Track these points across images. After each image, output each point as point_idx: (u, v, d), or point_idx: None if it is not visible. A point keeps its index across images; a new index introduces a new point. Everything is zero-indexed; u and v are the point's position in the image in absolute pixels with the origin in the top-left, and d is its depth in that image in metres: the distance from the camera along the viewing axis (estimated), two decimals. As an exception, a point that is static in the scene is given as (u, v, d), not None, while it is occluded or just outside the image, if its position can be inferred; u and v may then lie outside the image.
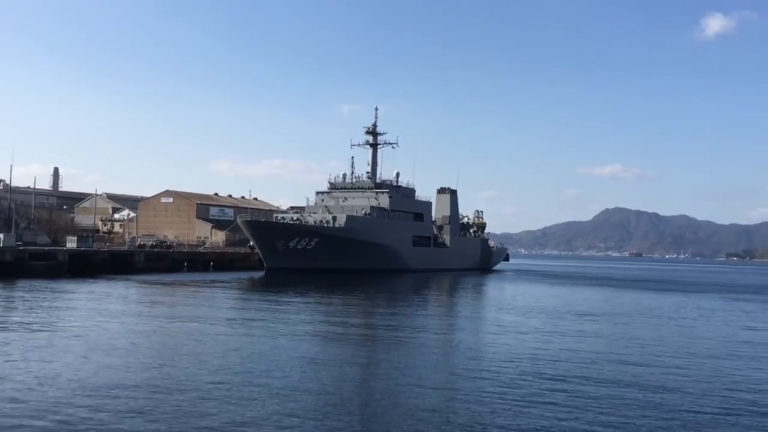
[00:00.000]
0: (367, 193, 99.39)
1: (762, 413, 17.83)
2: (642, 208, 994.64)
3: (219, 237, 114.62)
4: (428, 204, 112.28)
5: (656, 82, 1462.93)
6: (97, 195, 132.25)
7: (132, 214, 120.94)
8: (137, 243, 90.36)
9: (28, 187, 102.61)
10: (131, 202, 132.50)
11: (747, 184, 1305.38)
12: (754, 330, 39.27)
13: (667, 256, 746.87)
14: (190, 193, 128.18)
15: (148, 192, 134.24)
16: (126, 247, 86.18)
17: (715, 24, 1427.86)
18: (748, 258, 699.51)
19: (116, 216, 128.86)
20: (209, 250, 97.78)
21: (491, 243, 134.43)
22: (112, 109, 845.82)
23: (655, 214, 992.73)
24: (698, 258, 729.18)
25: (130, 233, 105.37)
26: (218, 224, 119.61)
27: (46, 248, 72.05)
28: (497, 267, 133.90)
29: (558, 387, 20.19)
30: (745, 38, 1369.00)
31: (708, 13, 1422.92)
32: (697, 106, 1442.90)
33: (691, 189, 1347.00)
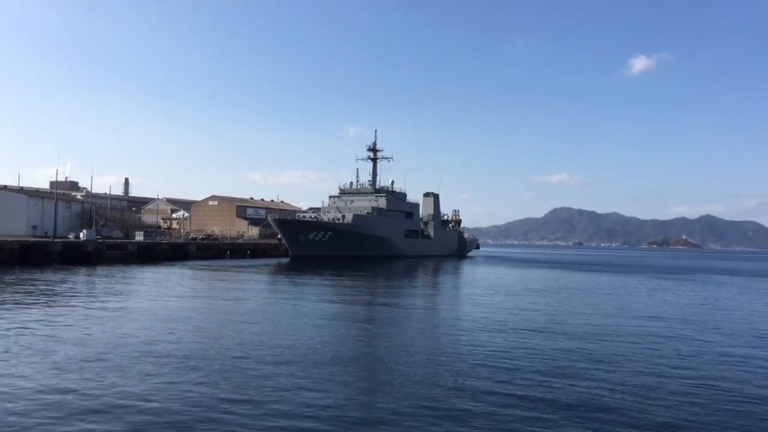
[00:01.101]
0: (369, 197, 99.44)
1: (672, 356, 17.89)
2: (583, 208, 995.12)
3: (254, 231, 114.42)
4: (416, 205, 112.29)
5: (594, 109, 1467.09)
6: (158, 199, 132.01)
7: (186, 214, 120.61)
8: (190, 236, 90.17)
9: (105, 194, 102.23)
10: (185, 204, 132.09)
11: (663, 188, 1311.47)
12: (673, 299, 39.32)
13: (602, 245, 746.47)
14: (231, 197, 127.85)
15: (198, 196, 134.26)
16: (182, 240, 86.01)
17: (639, 63, 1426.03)
18: (664, 245, 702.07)
19: (174, 216, 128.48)
20: (247, 241, 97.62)
21: (466, 235, 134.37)
22: (171, 131, 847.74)
23: (593, 212, 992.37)
24: (626, 246, 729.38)
25: (185, 229, 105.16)
26: (253, 221, 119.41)
27: (120, 241, 71.93)
28: (471, 254, 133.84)
29: (520, 344, 20.18)
30: (663, 75, 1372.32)
31: (634, 54, 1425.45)
32: (625, 127, 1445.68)
33: (620, 192, 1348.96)
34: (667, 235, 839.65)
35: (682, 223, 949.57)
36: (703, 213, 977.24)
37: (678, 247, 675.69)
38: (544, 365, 17.09)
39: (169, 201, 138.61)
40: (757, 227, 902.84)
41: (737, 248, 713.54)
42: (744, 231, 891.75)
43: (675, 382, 15.54)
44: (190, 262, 66.48)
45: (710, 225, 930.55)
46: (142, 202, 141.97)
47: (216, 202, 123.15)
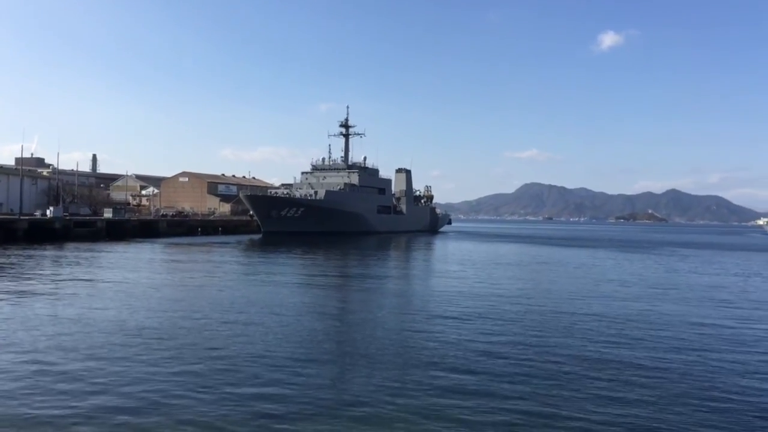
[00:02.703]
0: (342, 173, 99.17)
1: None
2: (552, 183, 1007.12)
3: (225, 208, 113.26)
4: (389, 181, 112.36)
5: (564, 84, 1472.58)
6: (127, 176, 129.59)
7: (156, 191, 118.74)
8: (161, 213, 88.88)
9: (72, 170, 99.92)
10: (155, 181, 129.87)
11: (630, 164, 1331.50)
12: (636, 270, 40.18)
13: (571, 219, 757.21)
14: (202, 174, 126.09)
15: (168, 173, 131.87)
16: (152, 217, 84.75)
17: (608, 39, 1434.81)
18: (631, 220, 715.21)
19: (143, 192, 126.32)
20: (218, 218, 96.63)
21: (438, 211, 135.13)
22: (140, 107, 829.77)
23: (563, 187, 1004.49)
24: (594, 220, 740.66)
25: (154, 206, 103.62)
26: (225, 198, 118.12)
27: (88, 218, 70.59)
28: (442, 229, 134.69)
29: (489, 314, 20.47)
30: (630, 51, 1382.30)
31: (603, 30, 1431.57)
32: (594, 103, 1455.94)
33: (589, 168, 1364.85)
34: (634, 210, 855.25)
35: (649, 197, 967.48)
36: (669, 188, 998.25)
37: (645, 221, 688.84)
38: (515, 339, 17.35)
39: (139, 177, 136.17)
40: (720, 201, 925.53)
41: (701, 222, 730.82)
42: (708, 205, 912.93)
43: (639, 350, 15.97)
44: (160, 239, 65.63)
45: (675, 200, 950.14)
46: (110, 179, 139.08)
47: (186, 179, 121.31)
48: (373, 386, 12.21)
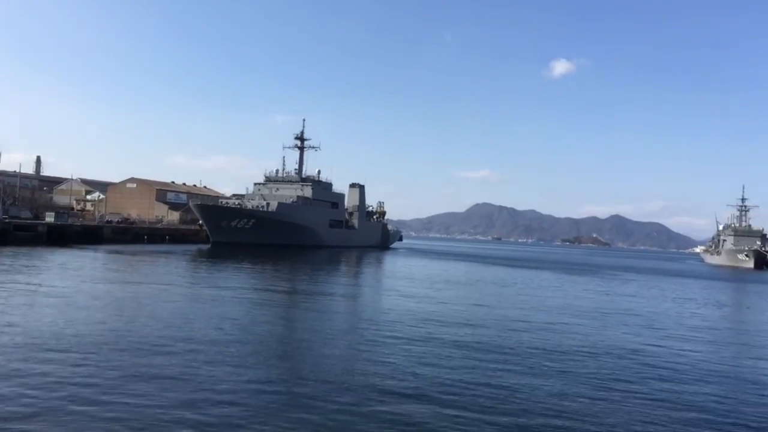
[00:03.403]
0: (295, 185, 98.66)
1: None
2: (503, 204, 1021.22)
3: (174, 216, 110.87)
4: (342, 195, 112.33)
5: (515, 109, 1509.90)
6: (72, 179, 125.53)
7: (102, 196, 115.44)
8: (105, 219, 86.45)
9: (14, 172, 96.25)
10: (101, 186, 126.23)
11: (577, 188, 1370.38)
12: (586, 294, 41.39)
13: (520, 240, 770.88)
14: (152, 181, 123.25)
15: (116, 178, 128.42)
16: (96, 222, 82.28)
17: (560, 67, 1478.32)
18: (577, 243, 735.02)
19: (88, 197, 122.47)
20: (166, 226, 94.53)
21: (389, 227, 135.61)
22: (88, 109, 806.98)
23: (513, 209, 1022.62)
24: (542, 242, 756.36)
25: (99, 211, 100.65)
26: (174, 206, 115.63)
27: (29, 221, 68.06)
28: (393, 245, 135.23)
29: (433, 332, 20.74)
30: (581, 79, 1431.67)
31: (555, 58, 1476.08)
32: (545, 127, 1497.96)
33: (538, 191, 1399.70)
34: (579, 233, 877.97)
35: (594, 222, 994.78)
36: (613, 213, 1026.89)
37: (589, 244, 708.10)
38: (455, 353, 17.65)
39: (84, 182, 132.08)
40: (660, 228, 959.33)
41: (642, 247, 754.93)
42: (648, 232, 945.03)
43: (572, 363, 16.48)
44: (103, 246, 63.80)
45: (619, 225, 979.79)
46: (54, 182, 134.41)
47: (135, 185, 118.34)
48: (306, 413, 12.21)
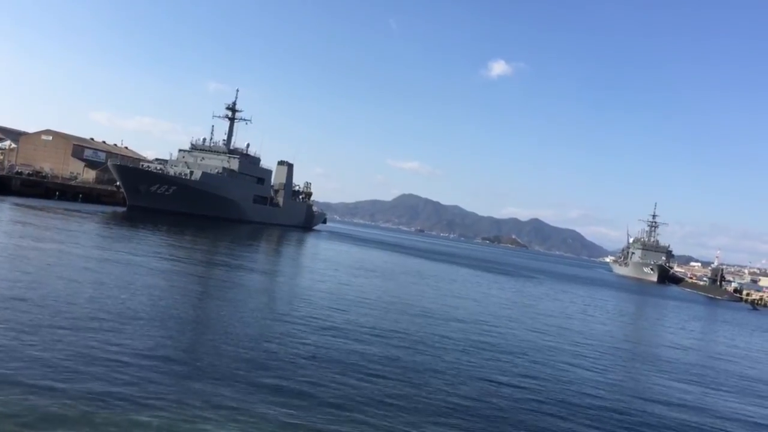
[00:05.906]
0: (221, 156, 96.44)
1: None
2: (429, 197, 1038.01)
3: (90, 175, 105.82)
4: (269, 171, 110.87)
5: (450, 104, 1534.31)
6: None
7: (13, 145, 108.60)
8: (15, 170, 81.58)
9: None
10: (14, 134, 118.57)
11: (501, 190, 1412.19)
12: (498, 289, 42.98)
13: (442, 235, 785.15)
14: (69, 135, 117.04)
15: (31, 128, 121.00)
16: (4, 173, 77.49)
17: (498, 68, 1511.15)
18: (496, 242, 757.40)
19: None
20: (80, 184, 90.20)
21: (315, 209, 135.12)
22: (8, 52, 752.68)
23: (438, 203, 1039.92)
24: (462, 238, 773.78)
25: (9, 161, 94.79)
26: (91, 164, 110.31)
27: (-75, 164, 63.27)
28: (317, 228, 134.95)
29: (346, 316, 21.15)
30: (517, 82, 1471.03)
31: (494, 59, 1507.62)
32: (477, 126, 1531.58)
33: (464, 187, 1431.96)
34: (499, 233, 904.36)
35: (514, 223, 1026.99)
36: (533, 216, 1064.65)
37: (508, 245, 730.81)
38: (366, 340, 18.11)
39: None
40: (575, 236, 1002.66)
41: (557, 252, 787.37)
42: (564, 238, 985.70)
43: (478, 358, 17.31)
44: (10, 198, 60.32)
45: (538, 229, 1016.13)
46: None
47: (50, 137, 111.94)
48: (208, 394, 12.32)
